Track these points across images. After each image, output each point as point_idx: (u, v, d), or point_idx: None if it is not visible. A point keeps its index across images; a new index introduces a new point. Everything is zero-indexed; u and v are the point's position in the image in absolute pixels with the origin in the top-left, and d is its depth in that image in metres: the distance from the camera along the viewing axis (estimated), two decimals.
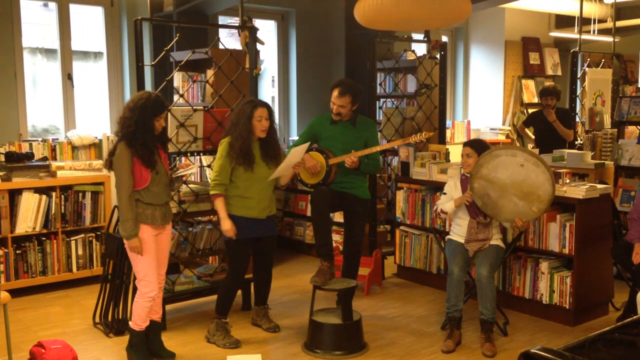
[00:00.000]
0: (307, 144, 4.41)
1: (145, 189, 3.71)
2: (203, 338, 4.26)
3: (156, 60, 4.67)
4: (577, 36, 7.17)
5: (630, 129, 6.99)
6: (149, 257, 3.77)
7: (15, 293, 4.60)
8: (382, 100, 6.97)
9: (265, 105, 4.16)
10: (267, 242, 4.30)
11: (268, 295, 4.51)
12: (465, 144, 4.35)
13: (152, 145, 3.71)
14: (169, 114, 4.23)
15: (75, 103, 6.22)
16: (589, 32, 8.08)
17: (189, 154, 4.68)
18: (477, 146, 4.25)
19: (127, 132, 3.65)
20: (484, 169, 4.14)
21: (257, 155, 4.14)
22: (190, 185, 4.72)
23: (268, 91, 7.67)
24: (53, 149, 5.66)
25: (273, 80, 7.65)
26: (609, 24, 8.06)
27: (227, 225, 4.07)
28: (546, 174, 4.00)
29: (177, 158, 4.70)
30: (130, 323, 3.89)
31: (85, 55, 6.44)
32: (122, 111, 3.73)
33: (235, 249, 4.19)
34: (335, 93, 4.51)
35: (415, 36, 6.67)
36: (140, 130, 3.64)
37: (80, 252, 5.35)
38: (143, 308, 3.81)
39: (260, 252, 4.34)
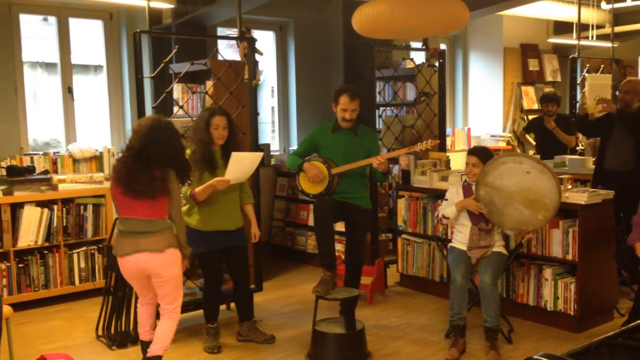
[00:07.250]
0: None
1: None
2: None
3: (155, 72, 4.69)
4: (575, 42, 7.19)
5: None
6: None
7: (17, 307, 4.59)
8: (381, 108, 6.98)
9: (223, 114, 4.15)
10: (236, 252, 4.25)
11: (252, 309, 4.47)
12: (470, 153, 4.30)
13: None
14: None
15: (75, 116, 6.24)
16: (587, 38, 8.09)
17: None
18: (483, 155, 4.22)
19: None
20: (489, 176, 4.11)
21: (219, 163, 4.12)
22: None
23: (268, 101, 7.68)
24: (54, 162, 5.67)
25: (272, 91, 7.67)
26: (607, 30, 8.09)
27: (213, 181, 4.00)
28: (552, 182, 3.96)
29: None
30: (157, 349, 3.60)
31: (85, 68, 6.46)
32: (167, 147, 3.53)
33: (205, 261, 4.22)
34: (346, 99, 4.42)
35: (414, 44, 6.69)
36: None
37: (82, 265, 5.35)
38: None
39: (230, 265, 4.31)
